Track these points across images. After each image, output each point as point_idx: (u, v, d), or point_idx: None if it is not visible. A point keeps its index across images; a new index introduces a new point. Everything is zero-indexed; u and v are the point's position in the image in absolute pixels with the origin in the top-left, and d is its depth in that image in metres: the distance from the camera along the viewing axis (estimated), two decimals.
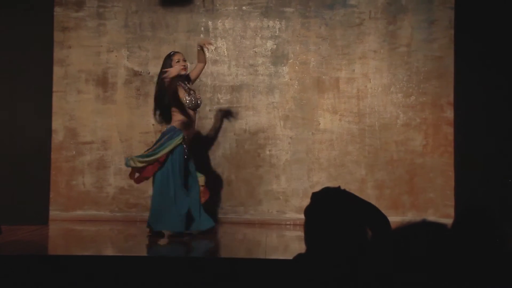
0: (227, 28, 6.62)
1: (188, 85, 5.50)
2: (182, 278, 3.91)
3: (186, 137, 5.39)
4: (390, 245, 1.81)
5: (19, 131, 6.21)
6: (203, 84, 6.52)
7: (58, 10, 6.55)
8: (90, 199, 6.53)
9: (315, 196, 2.15)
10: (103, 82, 6.59)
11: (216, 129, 6.56)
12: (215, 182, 6.37)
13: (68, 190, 6.53)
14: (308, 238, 2.11)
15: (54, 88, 6.49)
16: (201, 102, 5.53)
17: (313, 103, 6.57)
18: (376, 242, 2.07)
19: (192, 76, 5.65)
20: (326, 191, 2.15)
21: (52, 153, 6.46)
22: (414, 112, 6.50)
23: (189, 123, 5.43)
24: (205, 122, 6.55)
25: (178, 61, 5.42)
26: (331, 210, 2.09)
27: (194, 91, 5.52)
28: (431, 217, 6.28)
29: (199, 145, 6.30)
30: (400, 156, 6.50)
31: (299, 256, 2.12)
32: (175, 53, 5.54)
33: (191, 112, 5.43)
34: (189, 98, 5.38)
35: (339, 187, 2.19)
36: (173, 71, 5.30)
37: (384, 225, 2.26)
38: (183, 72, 5.44)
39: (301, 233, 2.17)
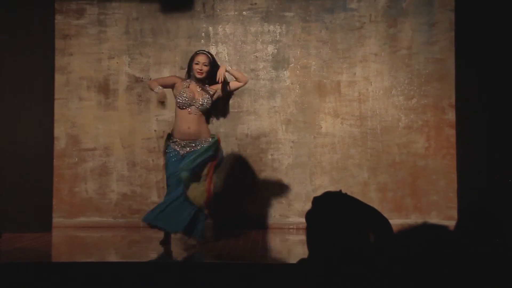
0: (227, 33, 6.63)
1: (198, 85, 5.26)
2: (185, 283, 3.91)
3: (176, 137, 5.25)
4: (392, 248, 1.81)
5: (21, 138, 6.22)
6: None
7: (59, 18, 6.57)
8: (93, 205, 6.54)
9: (316, 200, 2.15)
10: (104, 88, 6.60)
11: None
12: (217, 187, 6.37)
13: (71, 197, 6.53)
14: (310, 243, 2.11)
15: (56, 96, 6.50)
16: (197, 103, 5.22)
17: (314, 107, 6.57)
18: (378, 246, 2.07)
19: (220, 86, 5.33)
20: (327, 195, 2.15)
21: (54, 160, 6.47)
22: (415, 114, 6.50)
23: (179, 122, 5.25)
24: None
25: (197, 63, 5.25)
26: (333, 214, 2.09)
27: (194, 91, 5.24)
28: (434, 219, 6.28)
29: None
30: (403, 159, 6.50)
31: (302, 261, 2.12)
32: (198, 53, 5.32)
33: (182, 111, 5.22)
34: (178, 95, 5.23)
35: (340, 191, 2.19)
36: (151, 85, 5.33)
37: (386, 228, 2.26)
38: (198, 76, 5.24)
39: (304, 237, 2.17)
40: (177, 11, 6.60)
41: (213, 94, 5.31)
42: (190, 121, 5.21)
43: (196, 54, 5.33)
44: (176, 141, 5.24)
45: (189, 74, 5.34)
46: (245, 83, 5.41)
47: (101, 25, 6.62)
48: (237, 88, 5.43)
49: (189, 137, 5.22)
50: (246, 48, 6.62)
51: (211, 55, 5.39)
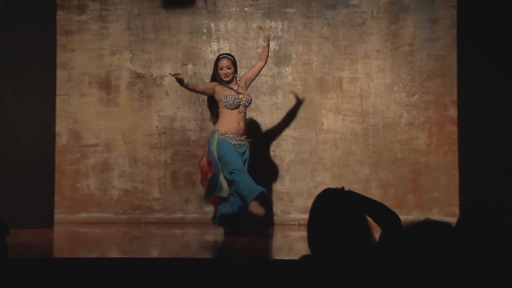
0: (229, 29, 6.63)
1: (233, 85, 5.60)
2: (186, 279, 3.91)
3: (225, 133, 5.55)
4: (400, 242, 1.81)
5: (23, 134, 6.22)
6: None
7: (60, 14, 6.56)
8: (95, 201, 6.54)
9: (319, 197, 2.14)
10: (106, 84, 6.60)
11: None
12: None
13: (72, 193, 6.54)
14: (312, 240, 2.11)
15: (58, 92, 6.50)
16: (243, 102, 5.59)
17: (316, 103, 6.57)
18: (387, 240, 2.07)
19: (247, 75, 5.78)
20: (328, 192, 2.15)
21: (56, 156, 6.48)
22: (417, 111, 6.50)
23: (229, 120, 5.56)
24: (208, 123, 6.54)
25: (221, 69, 5.58)
26: (334, 211, 2.09)
27: (236, 91, 5.58)
28: (436, 216, 6.27)
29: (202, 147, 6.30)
30: (404, 155, 6.49)
31: (304, 258, 2.12)
32: (220, 58, 5.65)
33: (232, 111, 5.55)
34: (225, 99, 5.54)
35: (342, 188, 2.18)
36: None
37: (395, 222, 2.26)
38: (226, 79, 5.57)
39: (305, 234, 2.17)
40: (179, 7, 6.60)
41: (247, 85, 5.73)
42: (240, 119, 5.59)
43: (218, 59, 5.67)
44: (227, 135, 5.52)
45: (216, 78, 5.63)
46: (265, 63, 5.85)
47: (103, 21, 6.61)
48: (261, 69, 5.83)
49: (238, 131, 5.58)
50: (248, 45, 6.61)
51: (231, 56, 5.71)
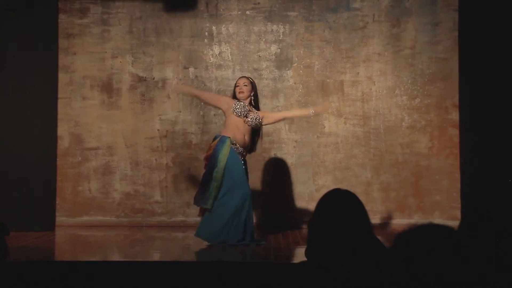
0: (231, 32, 6.63)
1: (250, 106, 5.48)
2: (188, 282, 3.91)
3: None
4: (403, 246, 1.80)
5: (25, 137, 6.22)
6: (208, 89, 6.53)
7: (62, 17, 6.57)
8: (96, 204, 6.54)
9: (325, 196, 2.14)
10: (108, 88, 6.60)
11: None
12: None
13: (74, 196, 6.54)
14: (312, 240, 2.11)
15: (59, 95, 6.51)
16: (250, 116, 5.44)
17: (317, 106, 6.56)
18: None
19: (267, 114, 5.68)
20: (338, 192, 2.14)
21: (58, 159, 6.48)
22: (419, 114, 6.50)
23: (236, 131, 5.42)
24: (210, 127, 6.56)
25: (238, 86, 5.49)
26: (341, 212, 2.08)
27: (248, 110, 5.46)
28: (438, 219, 6.27)
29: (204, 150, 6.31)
30: (406, 159, 6.49)
31: (303, 262, 2.12)
32: (239, 78, 5.60)
33: (239, 119, 5.41)
34: (234, 106, 5.42)
35: (344, 190, 2.18)
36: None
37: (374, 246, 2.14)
38: (240, 95, 5.44)
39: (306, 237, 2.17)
40: (181, 10, 6.60)
41: (261, 117, 5.52)
42: (245, 131, 5.42)
43: (238, 79, 5.59)
44: (235, 146, 5.38)
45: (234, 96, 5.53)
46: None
47: (105, 24, 6.62)
48: (280, 120, 5.86)
49: (244, 145, 5.43)
50: (249, 48, 6.62)
51: (251, 78, 5.61)
